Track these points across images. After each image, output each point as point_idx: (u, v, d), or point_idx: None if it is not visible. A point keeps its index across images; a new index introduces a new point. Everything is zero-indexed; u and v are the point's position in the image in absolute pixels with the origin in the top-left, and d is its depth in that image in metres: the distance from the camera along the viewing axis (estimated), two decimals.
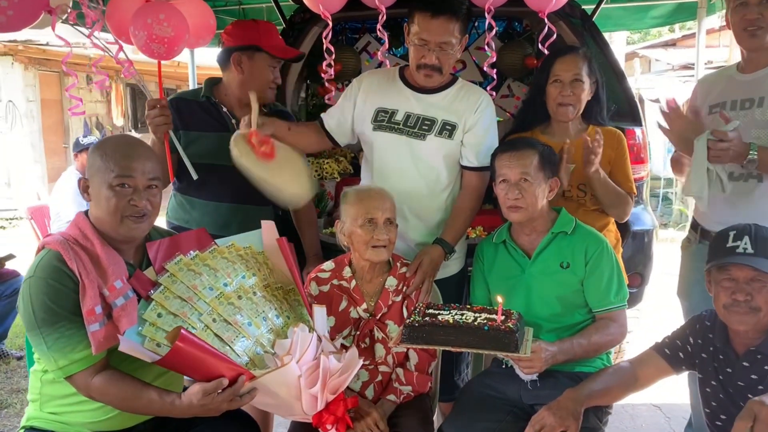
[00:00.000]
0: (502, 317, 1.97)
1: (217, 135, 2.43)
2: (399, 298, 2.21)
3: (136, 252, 1.91)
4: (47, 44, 9.36)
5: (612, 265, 2.17)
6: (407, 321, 1.99)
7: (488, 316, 2.01)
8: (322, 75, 2.80)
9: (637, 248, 3.08)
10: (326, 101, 2.79)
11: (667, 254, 4.21)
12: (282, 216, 2.73)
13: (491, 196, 2.29)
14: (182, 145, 2.42)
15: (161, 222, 2.17)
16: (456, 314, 2.02)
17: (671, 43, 12.80)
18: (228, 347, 1.77)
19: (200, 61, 5.82)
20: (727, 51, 9.78)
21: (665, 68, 12.15)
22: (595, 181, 2.36)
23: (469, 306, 2.14)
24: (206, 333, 1.76)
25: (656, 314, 4.56)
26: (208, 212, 2.48)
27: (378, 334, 2.19)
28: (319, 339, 1.89)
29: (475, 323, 1.93)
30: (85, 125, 11.66)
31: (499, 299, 1.97)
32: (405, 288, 2.21)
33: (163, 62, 2.36)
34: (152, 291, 1.79)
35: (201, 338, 1.64)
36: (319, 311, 1.99)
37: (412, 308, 2.15)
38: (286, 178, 2.23)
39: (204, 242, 1.95)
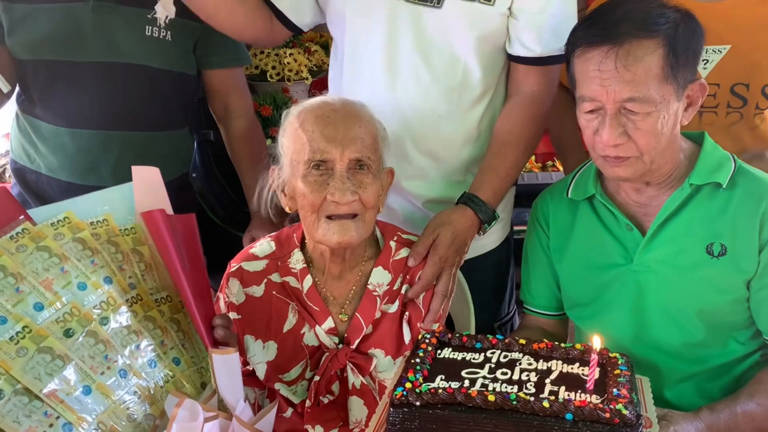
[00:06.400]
0: (597, 370, 1.08)
1: (66, 7, 1.69)
2: (395, 308, 1.41)
3: None
4: None
5: None
6: (395, 392, 1.03)
7: (568, 369, 1.12)
8: None
9: None
10: None
11: None
12: (215, 143, 2.08)
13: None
14: (6, 28, 1.69)
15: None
16: (500, 365, 1.11)
17: None
18: None
19: None
20: None
21: None
22: None
23: (523, 341, 1.20)
24: None
25: None
26: (60, 146, 1.75)
27: (355, 379, 1.38)
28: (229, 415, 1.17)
29: (541, 398, 1.00)
30: None
31: (597, 340, 1.10)
32: (407, 287, 1.44)
33: None
34: None
35: None
36: (222, 361, 1.19)
37: (414, 341, 1.28)
38: None
39: (5, 215, 1.24)
